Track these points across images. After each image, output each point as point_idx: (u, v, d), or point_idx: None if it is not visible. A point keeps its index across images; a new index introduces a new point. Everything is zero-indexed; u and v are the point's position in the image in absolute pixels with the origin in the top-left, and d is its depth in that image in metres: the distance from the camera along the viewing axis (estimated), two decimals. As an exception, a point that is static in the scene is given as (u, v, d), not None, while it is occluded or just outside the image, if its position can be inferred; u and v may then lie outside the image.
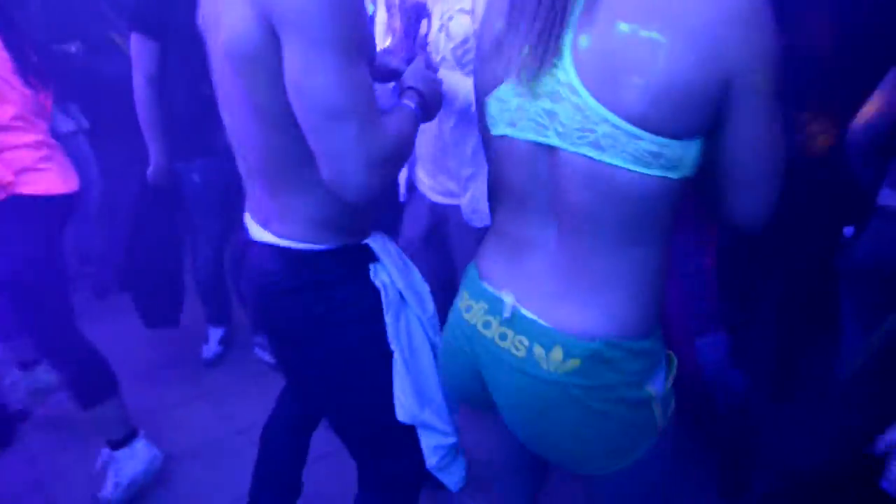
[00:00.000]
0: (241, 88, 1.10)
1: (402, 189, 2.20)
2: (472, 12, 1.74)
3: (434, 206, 2.10)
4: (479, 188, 1.88)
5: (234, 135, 1.23)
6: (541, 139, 0.92)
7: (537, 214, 0.98)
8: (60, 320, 2.07)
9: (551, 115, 0.89)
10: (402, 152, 1.13)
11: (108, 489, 2.15)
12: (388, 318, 1.25)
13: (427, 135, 1.95)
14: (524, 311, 1.00)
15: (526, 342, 0.99)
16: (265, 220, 1.24)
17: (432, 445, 1.33)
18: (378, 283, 1.25)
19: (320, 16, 0.97)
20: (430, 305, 1.36)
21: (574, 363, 0.96)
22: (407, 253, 1.43)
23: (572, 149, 0.88)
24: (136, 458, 2.18)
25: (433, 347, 1.34)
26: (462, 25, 1.75)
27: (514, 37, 0.92)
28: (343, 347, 1.25)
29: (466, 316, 1.10)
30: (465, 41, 1.75)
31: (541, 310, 0.99)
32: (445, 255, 2.15)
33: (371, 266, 1.26)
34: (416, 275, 1.37)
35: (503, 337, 1.03)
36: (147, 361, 3.01)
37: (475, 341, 1.08)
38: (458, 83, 1.76)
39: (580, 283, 0.96)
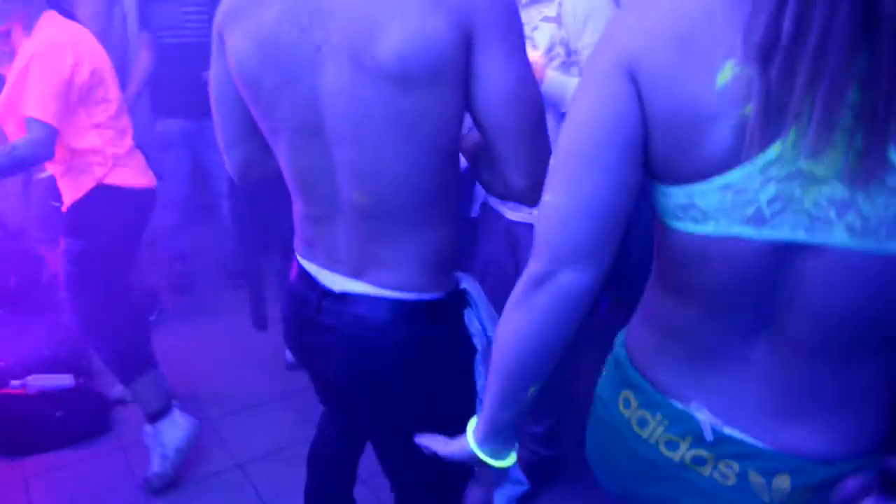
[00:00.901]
0: (400, 110, 0.97)
1: (475, 205, 2.13)
2: (557, 19, 1.71)
3: (511, 225, 2.00)
4: None
5: (354, 168, 1.06)
6: (809, 238, 0.69)
7: (743, 319, 0.79)
8: (110, 299, 2.21)
9: (846, 205, 0.67)
10: None
11: (155, 464, 2.24)
12: (480, 368, 1.20)
13: None
14: (729, 431, 0.83)
15: (736, 467, 0.82)
16: (357, 268, 1.13)
17: (507, 495, 1.28)
18: (472, 330, 1.19)
19: (518, 21, 0.98)
20: None
21: (807, 492, 0.79)
22: (486, 277, 1.38)
23: (870, 247, 0.67)
24: (177, 427, 2.27)
25: None
26: (546, 34, 1.71)
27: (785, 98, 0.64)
28: (440, 400, 1.19)
29: (641, 431, 0.90)
30: (549, 49, 1.71)
31: (752, 428, 0.81)
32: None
33: (465, 312, 1.20)
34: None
35: (699, 461, 0.84)
36: (229, 361, 3.09)
37: (658, 465, 0.88)
38: (566, 84, 1.71)
39: (804, 400, 0.79)
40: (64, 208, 2.16)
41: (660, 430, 0.87)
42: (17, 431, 2.48)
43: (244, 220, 3.09)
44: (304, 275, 1.21)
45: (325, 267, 1.16)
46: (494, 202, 2.03)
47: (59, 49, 1.96)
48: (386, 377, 1.15)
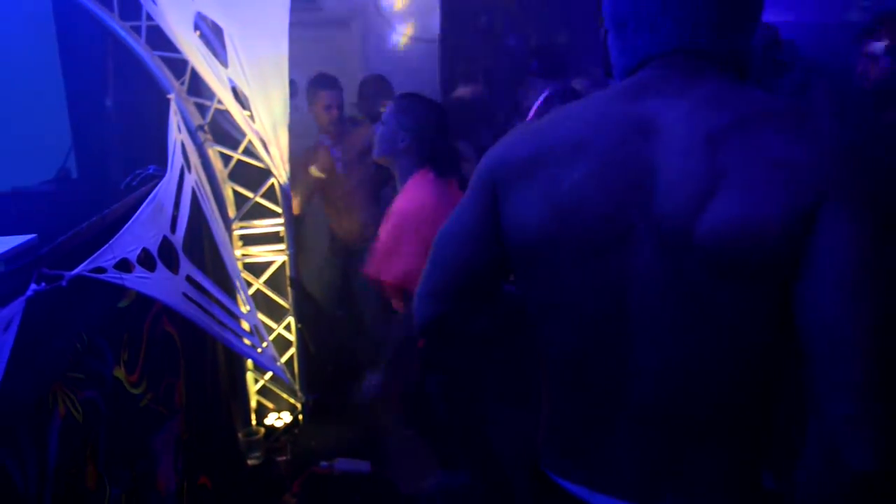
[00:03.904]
0: (713, 298, 0.81)
1: None
2: None
3: None
4: None
5: (654, 365, 0.88)
6: None
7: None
8: None
9: None
10: None
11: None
12: None
13: None
14: None
15: None
16: (651, 492, 0.92)
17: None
18: None
19: (880, 197, 0.77)
20: None
21: None
22: None
23: None
24: None
25: None
26: None
27: None
28: None
29: None
30: None
31: None
32: None
33: None
34: None
35: None
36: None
37: None
38: None
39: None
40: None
41: None
42: (319, 510, 2.60)
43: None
44: (565, 498, 0.98)
45: (601, 490, 0.95)
46: None
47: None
48: None
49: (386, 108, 2.45)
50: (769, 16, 1.66)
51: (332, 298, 3.69)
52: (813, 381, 0.77)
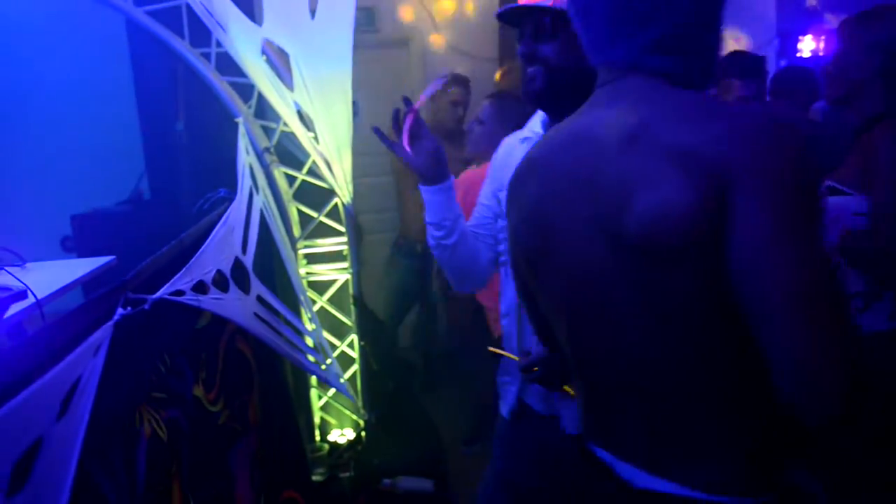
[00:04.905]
0: (656, 284, 0.89)
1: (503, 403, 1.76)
2: None
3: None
4: None
5: (613, 346, 0.99)
6: None
7: None
8: None
9: None
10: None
11: None
12: None
13: None
14: None
15: None
16: (655, 458, 0.97)
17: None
18: None
19: (792, 171, 0.81)
20: None
21: None
22: None
23: None
24: None
25: None
26: None
27: None
28: None
29: None
30: None
31: None
32: None
33: None
34: None
35: None
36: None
37: None
38: None
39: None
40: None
41: None
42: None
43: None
44: (596, 462, 1.06)
45: (621, 458, 1.02)
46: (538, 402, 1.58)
47: None
48: None
49: (483, 109, 2.48)
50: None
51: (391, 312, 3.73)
52: (760, 342, 0.82)
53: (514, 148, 1.57)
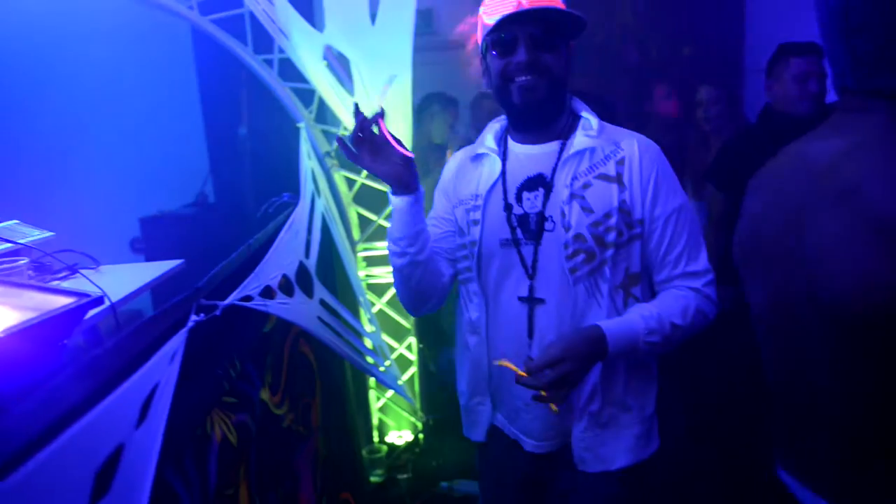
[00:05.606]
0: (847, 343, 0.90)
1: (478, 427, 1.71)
2: (615, 179, 1.37)
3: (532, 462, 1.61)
4: None
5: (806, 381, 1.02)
6: None
7: None
8: None
9: None
10: None
11: None
12: None
13: None
14: None
15: None
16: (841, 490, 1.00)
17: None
18: None
19: None
20: None
21: None
22: None
23: None
24: None
25: None
26: (602, 196, 1.36)
27: None
28: None
29: None
30: (605, 214, 1.36)
31: None
32: None
33: None
34: None
35: None
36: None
37: None
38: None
39: None
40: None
41: None
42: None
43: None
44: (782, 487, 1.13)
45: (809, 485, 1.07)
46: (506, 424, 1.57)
47: None
48: None
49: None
50: None
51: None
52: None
53: (465, 163, 1.53)
